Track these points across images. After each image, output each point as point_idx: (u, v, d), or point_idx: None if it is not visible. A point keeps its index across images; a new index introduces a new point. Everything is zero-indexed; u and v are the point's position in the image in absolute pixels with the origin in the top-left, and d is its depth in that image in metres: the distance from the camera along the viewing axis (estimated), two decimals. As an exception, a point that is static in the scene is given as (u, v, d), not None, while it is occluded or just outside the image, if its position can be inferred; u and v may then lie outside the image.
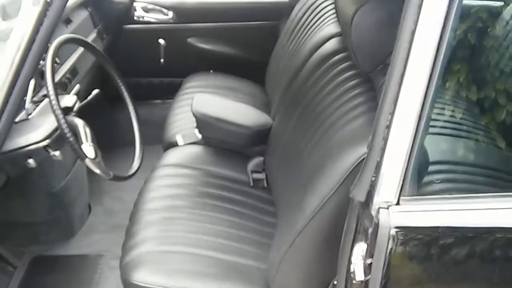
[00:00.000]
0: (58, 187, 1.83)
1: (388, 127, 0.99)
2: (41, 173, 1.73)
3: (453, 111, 1.28)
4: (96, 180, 2.29)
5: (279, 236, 1.46)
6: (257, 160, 1.90)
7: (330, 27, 1.82)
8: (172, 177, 1.77)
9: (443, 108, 1.27)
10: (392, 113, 0.99)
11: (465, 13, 1.25)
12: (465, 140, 1.33)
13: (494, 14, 1.34)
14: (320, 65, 1.64)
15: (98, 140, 1.43)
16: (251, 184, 1.84)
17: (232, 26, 2.61)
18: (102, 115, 2.18)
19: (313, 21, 2.08)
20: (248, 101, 2.26)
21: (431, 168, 1.18)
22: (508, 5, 1.34)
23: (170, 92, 2.49)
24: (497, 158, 1.31)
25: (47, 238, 1.99)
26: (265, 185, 1.85)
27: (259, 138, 1.93)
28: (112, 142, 2.23)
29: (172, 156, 1.90)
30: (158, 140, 2.14)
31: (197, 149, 1.94)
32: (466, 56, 1.28)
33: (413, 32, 0.93)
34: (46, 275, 1.89)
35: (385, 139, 1.00)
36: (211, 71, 2.59)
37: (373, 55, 1.23)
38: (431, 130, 1.22)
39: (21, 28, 1.08)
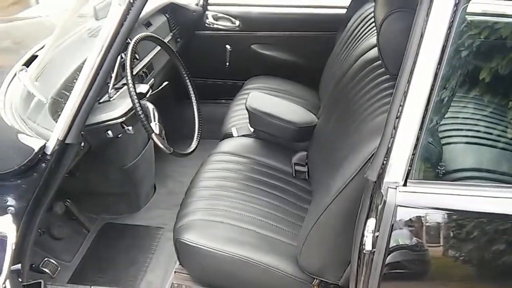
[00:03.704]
0: (129, 164, 2.14)
1: (398, 117, 1.16)
2: (116, 149, 2.04)
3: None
4: (162, 166, 2.59)
5: (308, 216, 1.65)
6: (301, 154, 2.09)
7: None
8: (224, 163, 2.01)
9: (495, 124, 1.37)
10: (402, 106, 1.16)
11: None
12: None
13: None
14: (361, 70, 1.81)
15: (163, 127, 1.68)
16: (294, 175, 2.04)
17: (292, 35, 2.82)
18: (169, 108, 2.48)
19: (364, 31, 2.25)
20: (300, 103, 2.44)
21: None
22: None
23: (232, 93, 2.73)
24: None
25: (117, 209, 2.32)
26: (307, 177, 2.04)
27: (304, 134, 2.12)
28: (175, 132, 2.51)
29: (226, 145, 2.15)
30: (218, 136, 2.37)
31: (248, 141, 2.18)
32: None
33: (422, 36, 1.10)
34: (114, 240, 2.20)
35: (396, 128, 1.17)
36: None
37: (397, 59, 1.39)
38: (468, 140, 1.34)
39: (108, 25, 1.35)
